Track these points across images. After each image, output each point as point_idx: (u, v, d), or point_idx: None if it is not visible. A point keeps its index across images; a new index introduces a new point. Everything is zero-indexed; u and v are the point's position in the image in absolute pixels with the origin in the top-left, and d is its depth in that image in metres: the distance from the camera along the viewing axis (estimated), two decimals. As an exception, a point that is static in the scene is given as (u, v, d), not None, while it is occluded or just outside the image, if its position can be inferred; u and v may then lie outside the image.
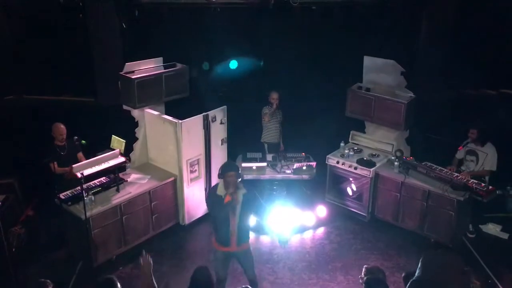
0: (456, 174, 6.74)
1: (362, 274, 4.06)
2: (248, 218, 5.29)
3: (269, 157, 7.76)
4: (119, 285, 3.89)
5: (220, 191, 5.12)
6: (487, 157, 6.77)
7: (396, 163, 7.26)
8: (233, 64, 7.55)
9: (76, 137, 6.88)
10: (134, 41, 9.17)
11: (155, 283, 3.98)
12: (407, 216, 7.11)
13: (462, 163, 7.11)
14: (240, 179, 5.14)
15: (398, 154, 7.37)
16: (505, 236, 7.08)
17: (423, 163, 7.02)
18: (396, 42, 8.02)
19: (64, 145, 6.84)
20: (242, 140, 8.18)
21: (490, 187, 6.46)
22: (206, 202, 5.70)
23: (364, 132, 8.08)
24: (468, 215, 6.92)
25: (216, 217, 5.22)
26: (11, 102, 9.45)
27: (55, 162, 6.55)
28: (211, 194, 5.31)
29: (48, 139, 6.95)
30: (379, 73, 7.61)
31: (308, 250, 6.94)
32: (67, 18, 9.04)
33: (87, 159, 6.63)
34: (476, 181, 6.51)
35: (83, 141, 6.95)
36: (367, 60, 7.74)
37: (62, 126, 6.81)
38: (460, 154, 7.09)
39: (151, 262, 3.98)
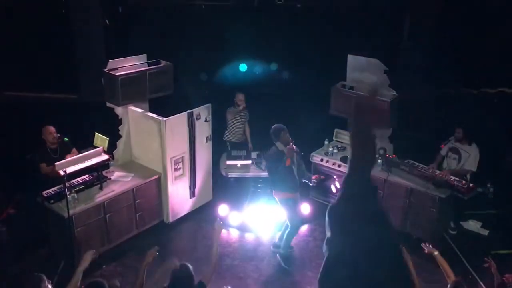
0: (438, 172, 6.84)
1: None
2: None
3: (254, 155, 7.78)
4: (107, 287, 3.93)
5: (281, 147, 6.12)
6: (470, 157, 6.87)
7: (379, 161, 7.32)
8: (243, 67, 7.65)
9: (59, 135, 6.81)
10: (117, 38, 9.10)
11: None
12: (390, 213, 7.17)
13: (444, 160, 7.21)
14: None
15: (381, 152, 7.43)
16: (485, 232, 7.20)
17: (405, 161, 7.10)
18: (379, 41, 8.08)
19: (56, 147, 6.73)
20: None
21: (471, 184, 6.57)
22: (268, 162, 6.37)
23: (348, 130, 8.12)
24: (449, 212, 7.03)
25: (279, 172, 6.08)
26: (-8, 99, 9.32)
27: (44, 163, 6.47)
28: (272, 155, 6.15)
29: (31, 136, 6.86)
30: (363, 71, 7.66)
31: (293, 247, 6.97)
32: (50, 14, 8.92)
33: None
34: (457, 179, 6.61)
35: (66, 138, 6.88)
36: (351, 59, 7.78)
37: (52, 128, 6.70)
38: (444, 151, 7.19)
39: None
